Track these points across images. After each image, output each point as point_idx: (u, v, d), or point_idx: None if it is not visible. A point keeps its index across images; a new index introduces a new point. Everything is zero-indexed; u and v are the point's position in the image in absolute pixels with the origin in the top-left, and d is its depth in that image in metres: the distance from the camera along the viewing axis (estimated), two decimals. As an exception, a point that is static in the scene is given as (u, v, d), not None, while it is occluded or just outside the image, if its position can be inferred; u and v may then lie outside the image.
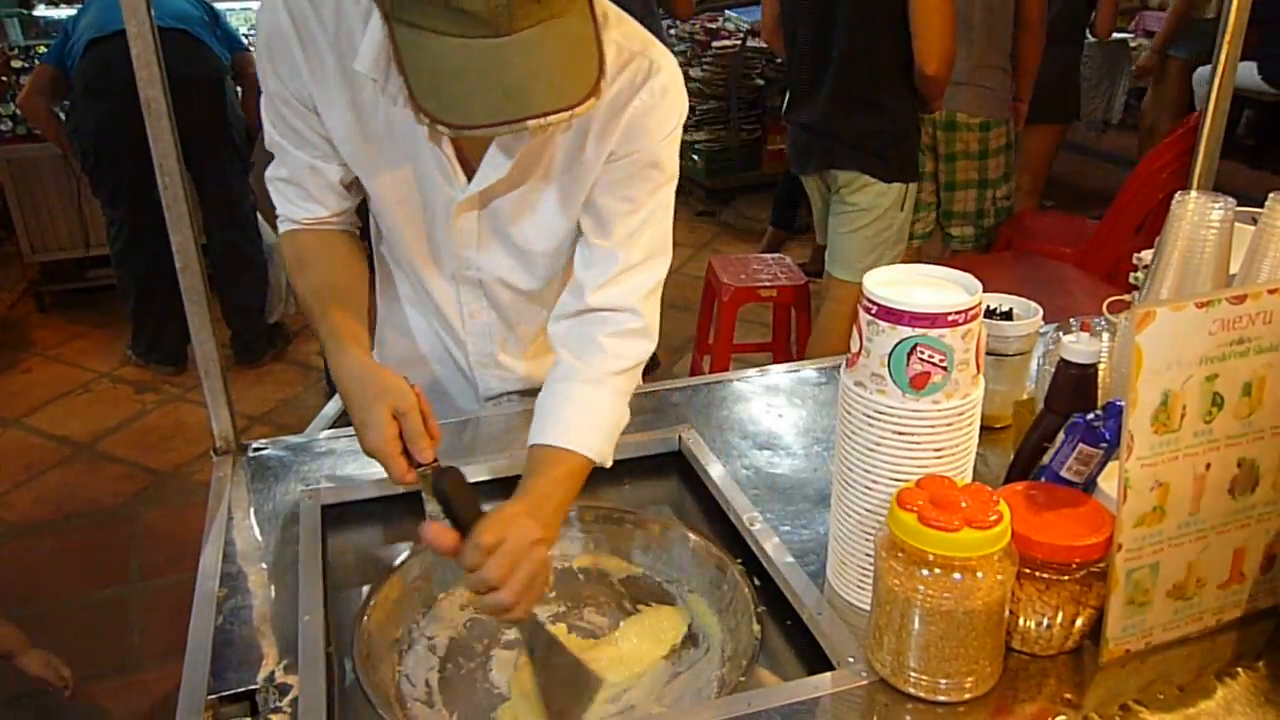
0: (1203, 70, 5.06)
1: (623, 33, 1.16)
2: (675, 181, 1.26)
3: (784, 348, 3.49)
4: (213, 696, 0.97)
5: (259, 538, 1.24)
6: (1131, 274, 1.65)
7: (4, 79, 4.20)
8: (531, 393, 1.49)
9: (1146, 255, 1.65)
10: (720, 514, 1.31)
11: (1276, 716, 0.96)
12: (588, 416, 1.20)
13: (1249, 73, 5.02)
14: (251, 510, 1.30)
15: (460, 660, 1.14)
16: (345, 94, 1.17)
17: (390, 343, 1.51)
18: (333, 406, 1.70)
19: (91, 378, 4.01)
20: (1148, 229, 3.58)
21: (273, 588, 1.15)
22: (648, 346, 1.28)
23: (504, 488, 1.22)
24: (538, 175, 1.23)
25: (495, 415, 1.50)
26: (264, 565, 1.19)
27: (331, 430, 1.51)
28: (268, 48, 1.17)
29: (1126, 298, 1.60)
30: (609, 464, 1.22)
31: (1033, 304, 1.44)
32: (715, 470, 1.36)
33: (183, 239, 1.28)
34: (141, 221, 3.69)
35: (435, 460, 1.08)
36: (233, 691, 0.98)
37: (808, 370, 1.67)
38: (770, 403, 1.55)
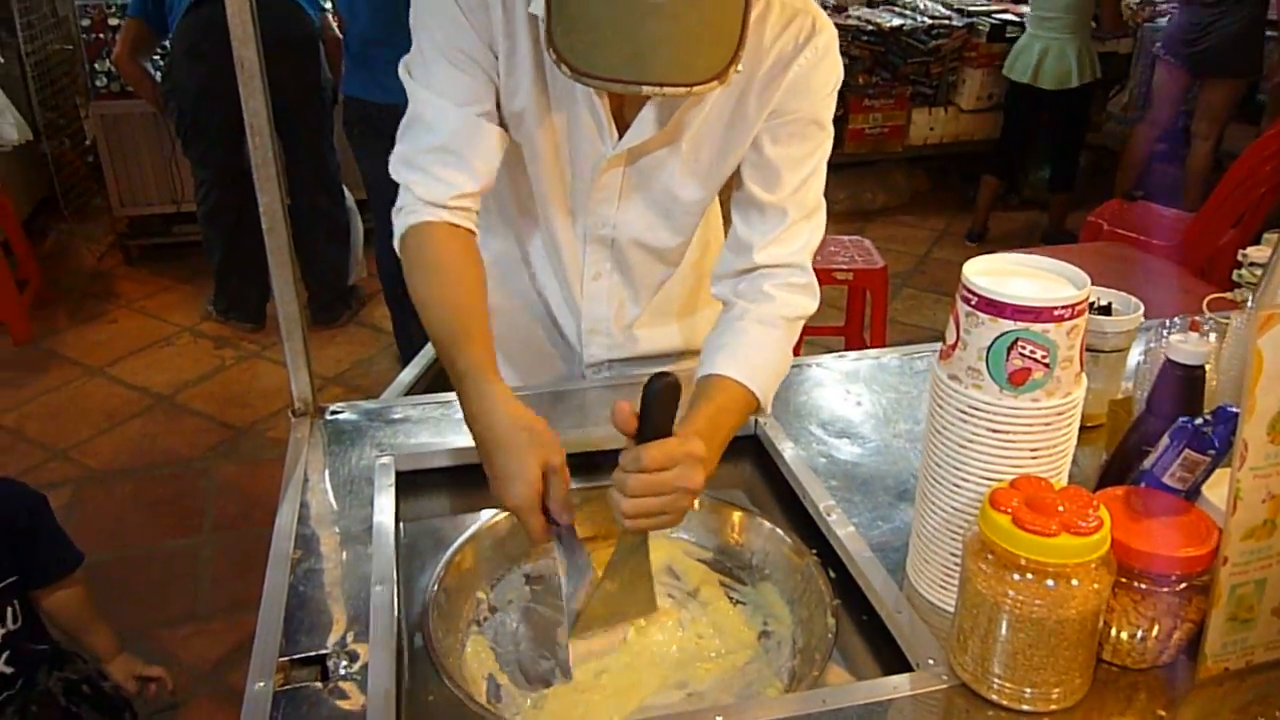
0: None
1: None
2: (832, 140, 1.28)
3: (858, 333, 3.42)
4: (284, 659, 0.97)
5: (333, 501, 1.25)
6: (1235, 271, 1.57)
7: (100, 36, 4.30)
8: (634, 361, 1.50)
9: (1253, 252, 1.57)
10: (796, 502, 1.28)
11: (1387, 750, 0.91)
12: (758, 354, 1.22)
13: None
14: (326, 473, 1.30)
15: (530, 632, 1.13)
16: (530, 36, 1.16)
17: (493, 304, 1.50)
18: (409, 373, 1.71)
19: (174, 331, 4.12)
20: (1245, 223, 3.43)
21: (345, 552, 1.15)
22: (812, 304, 1.30)
23: (604, 460, 1.22)
24: (691, 132, 1.23)
25: (599, 387, 1.49)
26: (337, 529, 1.19)
27: (406, 397, 1.51)
28: None
29: (1229, 295, 1.53)
30: (768, 410, 1.24)
31: (1133, 299, 1.37)
32: (791, 457, 1.33)
33: (270, 200, 1.28)
34: (230, 183, 3.76)
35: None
36: (304, 655, 0.98)
37: (889, 357, 1.62)
38: (849, 389, 1.51)
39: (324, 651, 0.98)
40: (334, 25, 3.83)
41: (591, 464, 1.25)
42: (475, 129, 1.19)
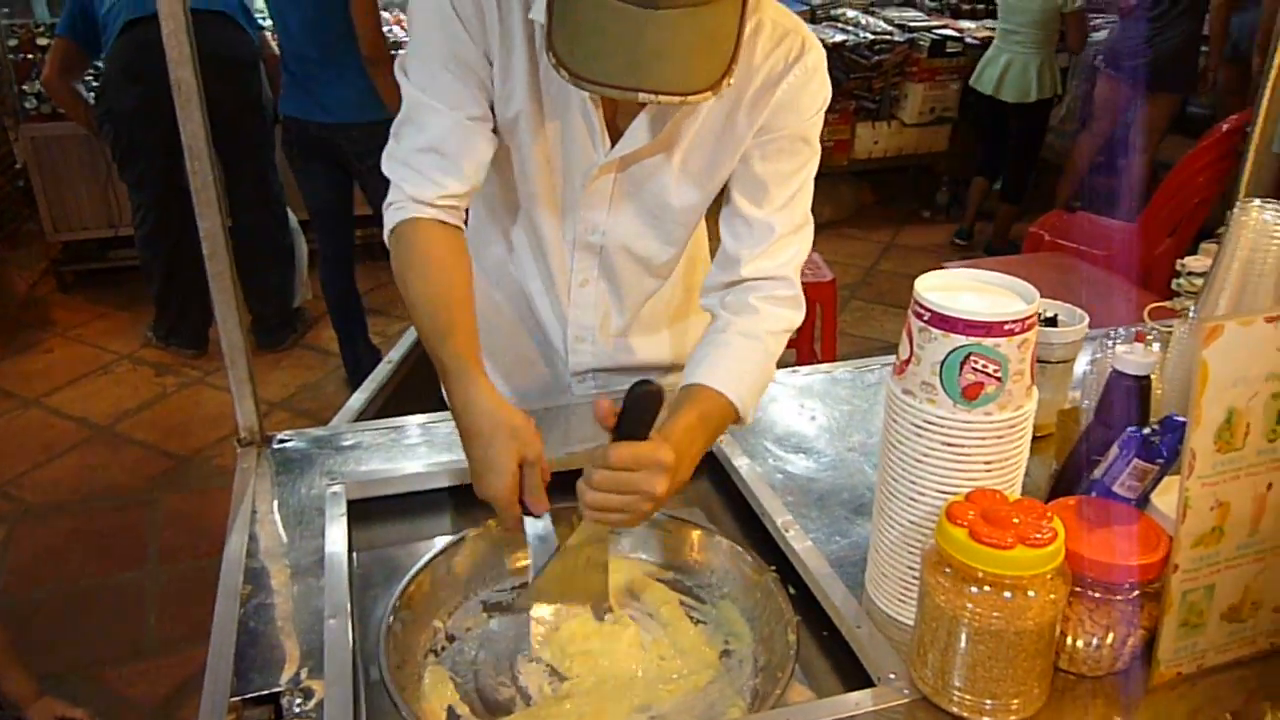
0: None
1: (776, 11, 1.21)
2: (819, 157, 1.30)
3: (808, 345, 3.45)
4: (236, 699, 0.95)
5: (283, 532, 1.22)
6: (1174, 280, 1.61)
7: (29, 56, 4.20)
8: (619, 372, 1.51)
9: (1191, 261, 1.60)
10: (753, 519, 1.28)
11: (1335, 748, 0.93)
12: (739, 365, 1.22)
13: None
14: (275, 504, 1.27)
15: (489, 659, 1.12)
16: (526, 43, 1.18)
17: (479, 312, 1.50)
18: (358, 399, 1.68)
19: (112, 359, 4.02)
20: (1181, 232, 3.53)
21: (296, 585, 1.12)
22: (797, 317, 1.31)
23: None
24: (683, 143, 1.26)
25: (587, 402, 1.49)
26: (287, 561, 1.16)
27: (357, 423, 1.49)
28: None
29: (1169, 304, 1.56)
30: (749, 420, 1.24)
31: (1078, 310, 1.40)
32: (748, 473, 1.33)
33: (211, 225, 1.26)
34: (169, 206, 3.68)
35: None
36: (257, 694, 0.95)
37: (841, 371, 1.63)
38: (803, 404, 1.52)
39: (277, 689, 0.96)
40: (272, 43, 3.78)
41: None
42: (466, 132, 1.21)
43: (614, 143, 1.25)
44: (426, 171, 1.21)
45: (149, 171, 3.69)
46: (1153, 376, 1.17)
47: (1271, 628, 1.02)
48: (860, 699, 0.97)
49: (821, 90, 1.25)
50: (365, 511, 1.29)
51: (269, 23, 3.97)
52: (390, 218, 1.24)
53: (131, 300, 4.35)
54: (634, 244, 1.37)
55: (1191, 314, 1.17)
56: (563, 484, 1.11)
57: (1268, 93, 1.70)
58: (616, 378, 1.52)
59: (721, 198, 1.33)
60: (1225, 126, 3.41)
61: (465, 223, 1.30)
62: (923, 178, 5.90)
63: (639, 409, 1.04)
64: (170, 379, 3.87)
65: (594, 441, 1.07)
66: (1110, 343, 1.26)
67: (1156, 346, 1.24)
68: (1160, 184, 3.62)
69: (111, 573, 2.84)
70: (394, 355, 1.90)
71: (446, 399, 1.16)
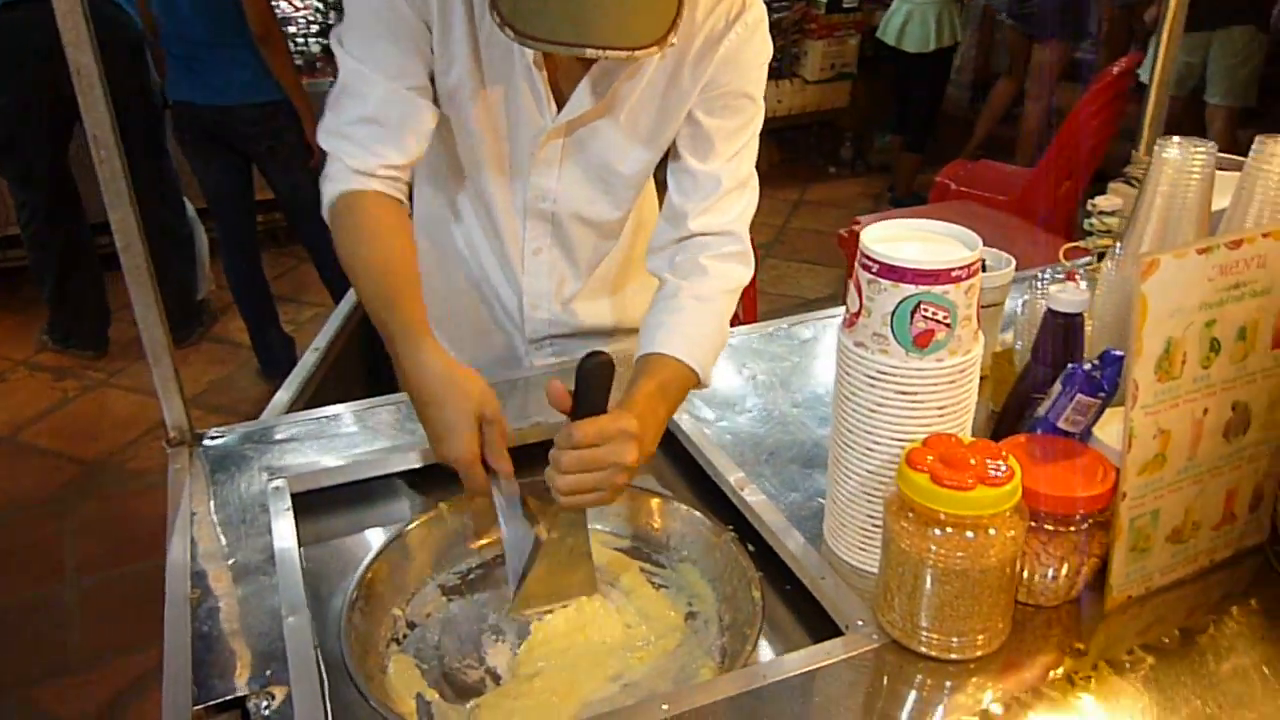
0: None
1: None
2: (763, 114, 1.31)
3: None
4: (199, 707, 0.91)
5: (225, 532, 1.17)
6: (1085, 220, 1.65)
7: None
8: (575, 337, 1.51)
9: (1101, 201, 1.65)
10: (706, 480, 1.28)
11: (1275, 652, 0.98)
12: (695, 330, 1.22)
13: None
14: (212, 504, 1.23)
15: (453, 643, 1.10)
16: (465, 9, 1.17)
17: (433, 287, 1.47)
18: (284, 395, 1.62)
19: (6, 366, 3.82)
20: (1078, 175, 3.65)
21: (247, 585, 1.08)
22: (746, 273, 1.31)
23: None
24: (628, 104, 1.25)
25: (544, 373, 1.48)
26: (234, 562, 1.12)
27: (289, 414, 1.44)
28: None
29: (1083, 244, 1.61)
30: (709, 384, 1.24)
31: (1004, 255, 1.43)
32: (697, 436, 1.33)
33: (122, 216, 1.19)
34: (57, 202, 3.50)
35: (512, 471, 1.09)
36: (220, 700, 0.92)
37: (773, 328, 1.65)
38: (743, 365, 1.53)
39: (241, 694, 0.92)
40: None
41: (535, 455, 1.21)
42: (405, 102, 1.19)
43: (560, 108, 1.23)
44: (366, 143, 1.19)
45: (33, 166, 3.49)
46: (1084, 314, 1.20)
47: (1210, 545, 1.06)
48: (831, 648, 0.98)
49: (764, 46, 1.26)
50: (308, 504, 1.25)
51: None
52: (330, 190, 1.22)
53: (23, 304, 4.14)
54: (585, 208, 1.36)
55: (1117, 251, 1.20)
56: (527, 458, 1.10)
57: (1165, 35, 1.76)
58: (573, 342, 1.51)
59: (668, 160, 1.33)
60: (1116, 70, 3.53)
61: (410, 196, 1.28)
62: (826, 134, 5.97)
63: (593, 382, 1.03)
64: (71, 383, 3.70)
65: (553, 413, 1.06)
66: (1040, 284, 1.30)
67: (1083, 285, 1.27)
68: (1057, 129, 3.73)
69: (28, 588, 2.71)
70: (319, 343, 1.84)
71: (395, 366, 1.13)
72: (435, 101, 1.23)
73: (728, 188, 1.28)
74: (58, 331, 3.84)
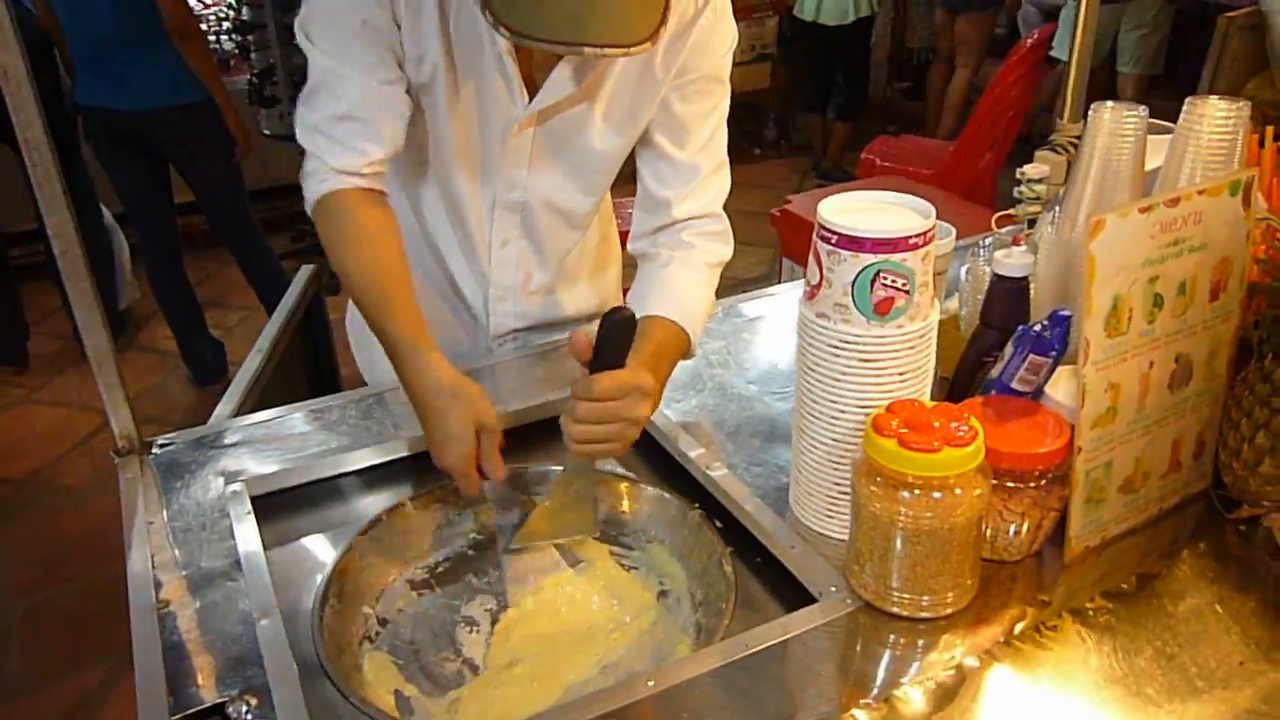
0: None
1: None
2: (730, 97, 1.34)
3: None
4: (177, 716, 0.89)
5: (182, 541, 1.15)
6: (1016, 189, 1.70)
7: None
8: (540, 328, 1.52)
9: (1030, 169, 1.70)
10: (669, 460, 1.29)
11: (1228, 591, 1.03)
12: (687, 295, 1.27)
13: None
14: (166, 513, 1.20)
15: (428, 637, 1.09)
16: (435, 3, 1.17)
17: None
18: (225, 406, 1.58)
19: (-81, 387, 3.66)
20: (998, 146, 3.74)
21: (213, 592, 1.06)
22: (728, 250, 1.36)
23: (521, 436, 1.27)
24: (601, 92, 1.26)
25: (510, 361, 1.48)
26: (198, 569, 1.10)
27: (237, 418, 1.41)
28: None
29: (1012, 212, 1.66)
30: (696, 352, 1.30)
31: (945, 224, 1.46)
32: (658, 417, 1.33)
33: (59, 220, 1.15)
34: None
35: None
36: (198, 709, 0.90)
37: (714, 310, 1.66)
38: (695, 344, 1.54)
39: (220, 700, 0.91)
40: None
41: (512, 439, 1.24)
42: (382, 97, 1.19)
43: (531, 97, 1.23)
44: (347, 140, 1.19)
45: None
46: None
47: (1159, 494, 1.11)
48: (808, 614, 1.00)
49: (730, 30, 1.29)
50: (267, 507, 1.23)
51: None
52: (313, 188, 1.21)
53: (-69, 321, 3.96)
54: (555, 197, 1.36)
55: (1055, 216, 1.24)
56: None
57: (1083, 7, 1.81)
58: (537, 335, 1.51)
59: (638, 149, 1.35)
60: (1029, 42, 3.62)
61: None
62: (748, 116, 6.03)
63: (616, 336, 1.06)
64: (-9, 400, 3.56)
65: (519, 400, 1.08)
66: (982, 251, 1.33)
67: (1026, 249, 1.31)
68: (976, 102, 3.82)
69: (-41, 615, 2.61)
70: (262, 345, 1.80)
71: (396, 373, 1.17)
72: (408, 93, 1.23)
73: (706, 173, 1.31)
74: (-27, 348, 3.69)
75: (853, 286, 0.96)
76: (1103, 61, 4.58)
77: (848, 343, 0.98)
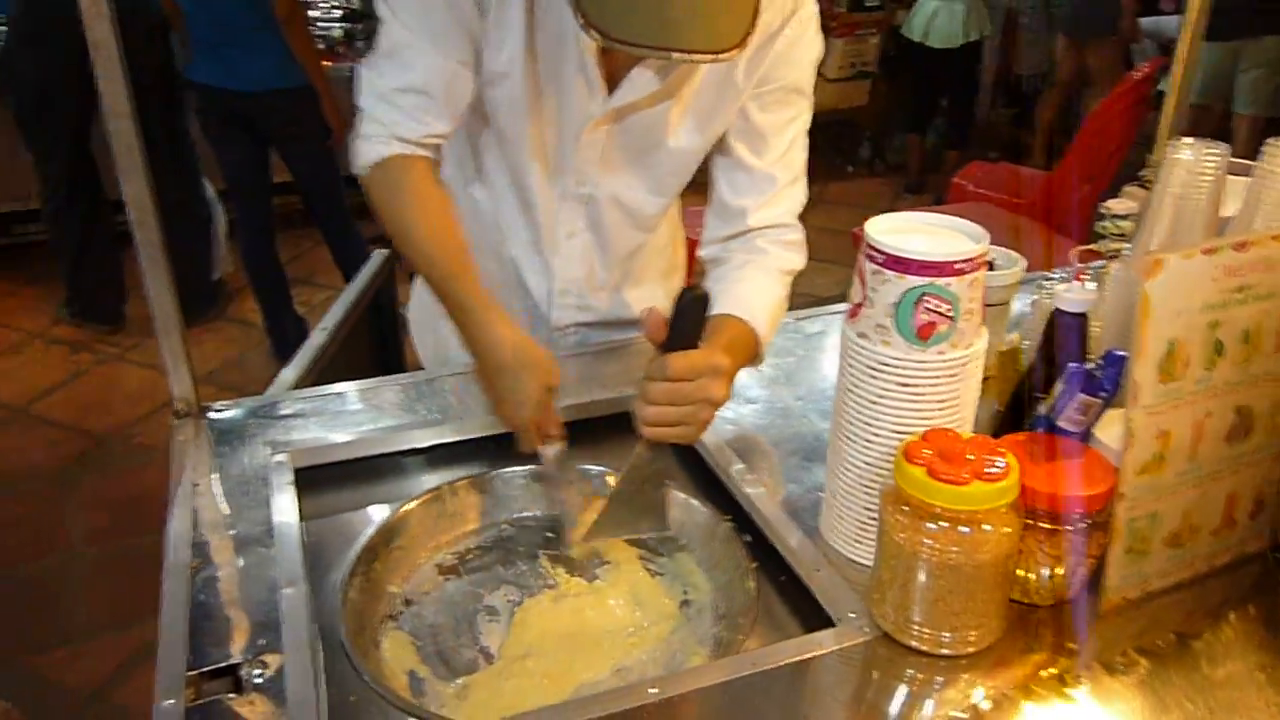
0: (1148, 21, 5.15)
1: None
2: (812, 110, 1.33)
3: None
4: (193, 673, 0.92)
5: (227, 504, 1.18)
6: (1098, 223, 1.65)
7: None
8: (601, 325, 1.52)
9: (1114, 204, 1.64)
10: (705, 470, 1.29)
11: (1271, 659, 0.97)
12: (760, 298, 1.27)
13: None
14: (216, 476, 1.24)
15: (449, 622, 1.11)
16: None
17: None
18: (290, 372, 1.63)
19: (22, 338, 3.85)
20: (1097, 180, 3.62)
21: (246, 557, 1.09)
22: (802, 260, 1.36)
23: (583, 429, 1.27)
24: (681, 95, 1.27)
25: (568, 357, 1.48)
26: (234, 533, 1.13)
27: (295, 390, 1.45)
28: None
29: (1095, 247, 1.60)
30: (763, 358, 1.30)
31: (1013, 254, 1.42)
32: (698, 425, 1.33)
33: (136, 191, 1.20)
34: (77, 177, 3.53)
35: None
36: (214, 667, 0.93)
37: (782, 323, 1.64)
38: (747, 356, 1.52)
39: (235, 661, 0.93)
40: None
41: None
42: (452, 76, 1.21)
43: (610, 93, 1.24)
44: (413, 112, 1.20)
45: (57, 143, 3.52)
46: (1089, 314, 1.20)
47: (1208, 550, 1.06)
48: (822, 639, 0.98)
49: (816, 41, 1.28)
50: (311, 479, 1.26)
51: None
52: (369, 150, 1.22)
53: (40, 277, 4.18)
54: (624, 195, 1.37)
55: (1126, 253, 1.20)
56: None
57: (1186, 42, 1.75)
58: (598, 333, 1.52)
59: (713, 157, 1.35)
60: (1137, 75, 3.51)
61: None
62: (845, 133, 5.96)
63: (689, 315, 1.05)
64: (85, 356, 3.73)
65: (580, 394, 1.07)
66: (1049, 285, 1.29)
67: (1090, 286, 1.27)
68: (1076, 133, 3.71)
69: (33, 559, 2.74)
70: (328, 323, 1.85)
71: (460, 332, 1.19)
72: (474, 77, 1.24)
73: (782, 184, 1.31)
74: (75, 305, 3.88)
75: (895, 308, 0.94)
76: (1222, 101, 4.42)
77: (886, 365, 0.96)
